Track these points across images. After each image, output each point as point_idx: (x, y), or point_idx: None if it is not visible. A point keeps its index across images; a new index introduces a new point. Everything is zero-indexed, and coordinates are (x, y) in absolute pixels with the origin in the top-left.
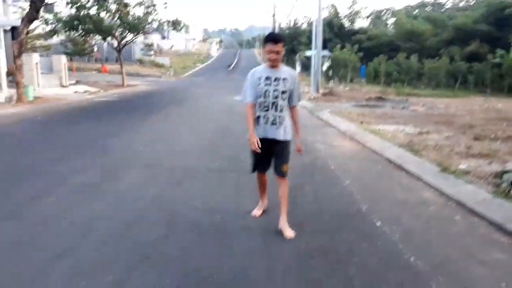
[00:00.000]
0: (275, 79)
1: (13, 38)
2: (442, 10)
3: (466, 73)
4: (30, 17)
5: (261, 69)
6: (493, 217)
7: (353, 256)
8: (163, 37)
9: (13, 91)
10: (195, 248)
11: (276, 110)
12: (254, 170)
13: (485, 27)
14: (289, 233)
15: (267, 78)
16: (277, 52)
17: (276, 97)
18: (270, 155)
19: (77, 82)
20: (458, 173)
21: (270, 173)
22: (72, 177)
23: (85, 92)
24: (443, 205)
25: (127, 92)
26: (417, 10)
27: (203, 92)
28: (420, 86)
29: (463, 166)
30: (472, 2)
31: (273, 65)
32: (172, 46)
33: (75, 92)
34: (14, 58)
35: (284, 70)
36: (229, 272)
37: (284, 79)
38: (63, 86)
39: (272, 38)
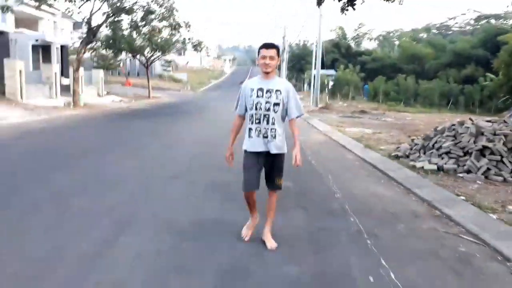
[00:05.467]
0: (267, 91)
1: (61, 55)
2: (449, 32)
3: (458, 95)
4: (87, 40)
5: (255, 81)
6: (373, 163)
7: (299, 175)
8: (179, 54)
9: (65, 98)
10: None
11: (267, 123)
12: (247, 187)
13: (481, 52)
14: (271, 244)
15: (259, 90)
16: (271, 58)
17: (268, 109)
18: (262, 168)
19: (108, 93)
20: (374, 149)
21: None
22: (148, 145)
23: (120, 101)
24: (354, 160)
25: (155, 103)
26: (423, 34)
27: (219, 104)
28: (415, 105)
29: (382, 146)
30: (477, 26)
31: (267, 71)
32: (187, 62)
33: (112, 101)
34: (73, 71)
35: (278, 82)
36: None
37: (277, 90)
38: (99, 96)
39: (264, 45)
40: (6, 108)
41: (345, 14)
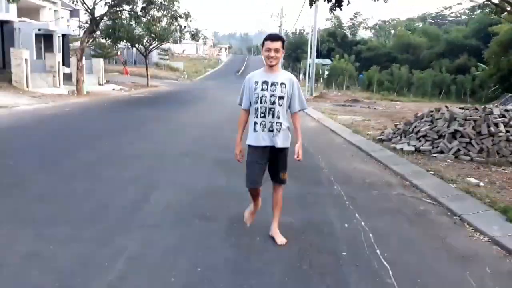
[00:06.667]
0: (272, 84)
1: (63, 44)
2: (445, 22)
3: (450, 84)
4: (90, 29)
5: (259, 73)
6: (359, 145)
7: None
8: (176, 42)
9: (67, 86)
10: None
11: (273, 116)
12: (250, 183)
13: (474, 42)
14: (281, 240)
15: (264, 83)
16: (276, 50)
17: (273, 102)
18: (267, 163)
19: (108, 82)
20: (361, 133)
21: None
22: (156, 129)
23: (120, 90)
24: (343, 142)
25: (155, 91)
26: (418, 23)
27: (217, 93)
28: (408, 95)
29: (369, 132)
30: (472, 16)
31: (271, 65)
32: (183, 51)
33: (113, 89)
34: (77, 60)
35: (283, 74)
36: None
37: (281, 83)
38: (100, 85)
39: (270, 36)
40: (14, 96)
41: (333, 14)
